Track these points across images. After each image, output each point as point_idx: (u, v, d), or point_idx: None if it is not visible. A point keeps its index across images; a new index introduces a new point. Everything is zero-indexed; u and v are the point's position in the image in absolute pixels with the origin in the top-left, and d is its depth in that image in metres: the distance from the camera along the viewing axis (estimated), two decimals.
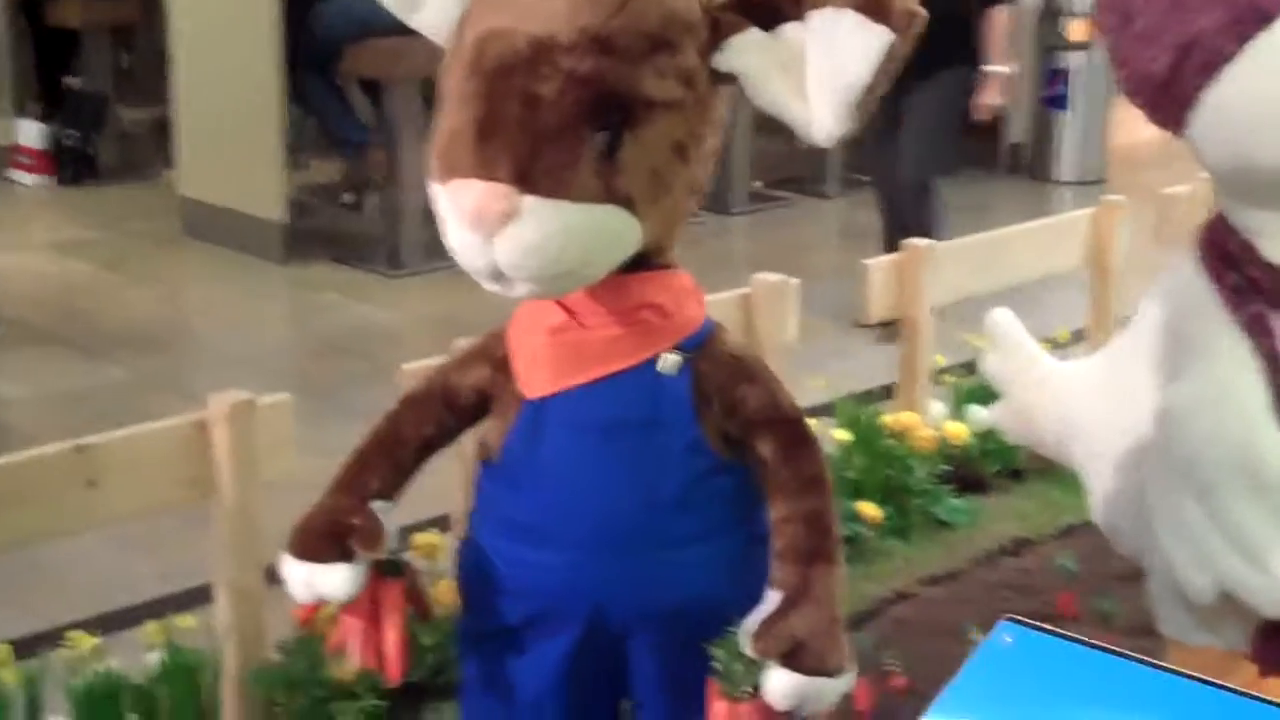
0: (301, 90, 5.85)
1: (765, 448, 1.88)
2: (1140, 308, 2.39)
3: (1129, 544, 2.39)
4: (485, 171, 1.67)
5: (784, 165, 7.22)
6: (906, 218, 4.95)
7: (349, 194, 6.36)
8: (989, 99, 5.04)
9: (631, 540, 1.87)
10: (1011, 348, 2.59)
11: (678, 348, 1.87)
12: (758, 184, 7.06)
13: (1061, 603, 3.03)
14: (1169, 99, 2.14)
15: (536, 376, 1.89)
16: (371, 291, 5.62)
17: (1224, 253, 2.21)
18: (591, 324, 1.85)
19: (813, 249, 6.51)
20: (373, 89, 6.04)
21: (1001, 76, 5.03)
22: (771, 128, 7.38)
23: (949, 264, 3.46)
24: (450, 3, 1.86)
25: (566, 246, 1.70)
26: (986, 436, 3.56)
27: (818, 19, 1.71)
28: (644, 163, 1.73)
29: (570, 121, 1.68)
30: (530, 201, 1.67)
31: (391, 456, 1.98)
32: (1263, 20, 2.06)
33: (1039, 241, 3.75)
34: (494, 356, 1.95)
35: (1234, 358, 2.16)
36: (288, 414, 2.56)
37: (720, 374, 1.88)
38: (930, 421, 3.50)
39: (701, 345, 1.89)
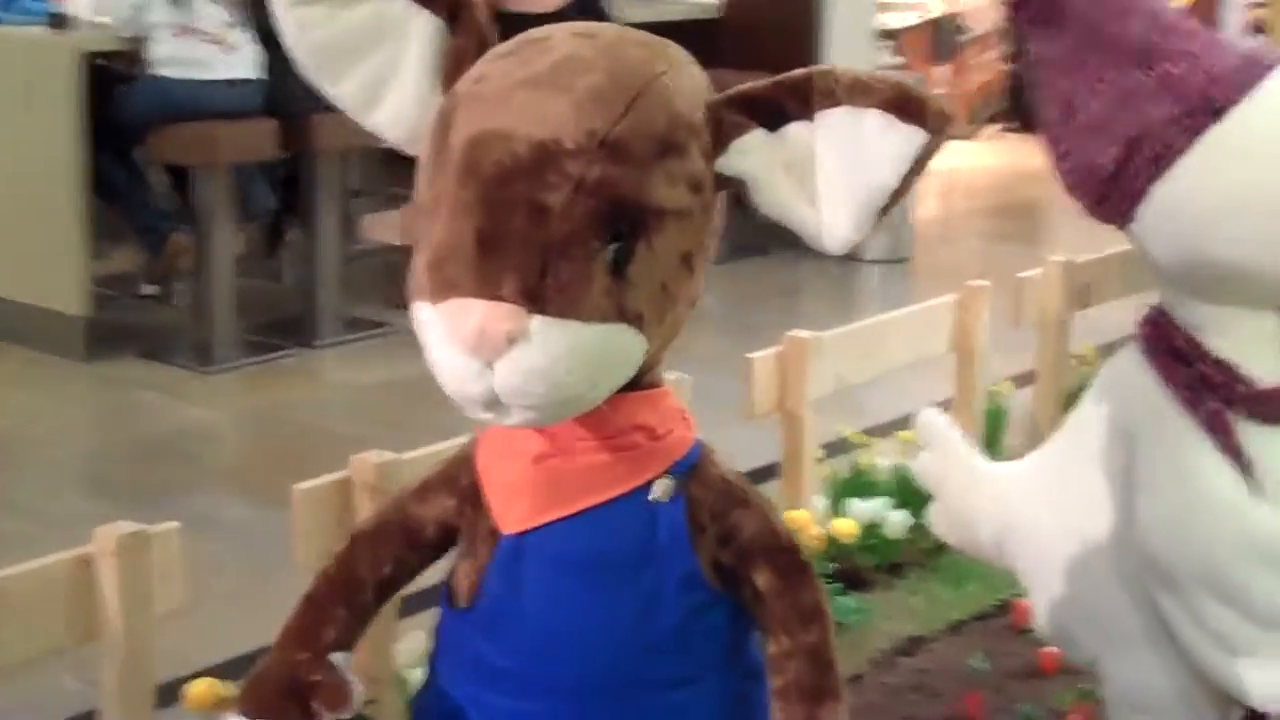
0: (102, 176, 5.55)
1: (762, 578, 1.74)
2: (1082, 406, 2.33)
3: (1083, 651, 2.32)
4: (488, 289, 1.51)
5: None
6: None
7: (152, 285, 6.06)
8: None
9: (621, 684, 1.71)
10: (943, 448, 2.51)
11: (669, 472, 1.72)
12: None
13: (970, 704, 2.94)
14: (1117, 192, 2.09)
15: (515, 509, 1.72)
16: (184, 389, 5.33)
17: (1171, 348, 2.16)
18: (576, 450, 1.69)
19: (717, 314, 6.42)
20: (178, 174, 5.77)
21: None
22: None
23: (831, 354, 3.38)
24: (410, 102, 1.72)
25: (574, 370, 1.54)
26: (868, 531, 3.48)
27: (830, 118, 1.60)
28: (654, 277, 1.58)
29: (581, 234, 1.52)
30: (538, 322, 1.51)
31: (348, 602, 1.79)
32: (1215, 113, 2.02)
33: (910, 328, 3.70)
34: (459, 486, 1.78)
35: (1202, 458, 2.10)
36: (175, 544, 2.34)
37: (714, 499, 1.74)
38: (814, 517, 3.40)
39: (693, 469, 1.74)
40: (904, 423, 4.15)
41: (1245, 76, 2.04)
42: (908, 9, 10.84)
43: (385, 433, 4.94)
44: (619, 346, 1.58)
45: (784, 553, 1.76)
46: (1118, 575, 2.21)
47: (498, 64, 1.61)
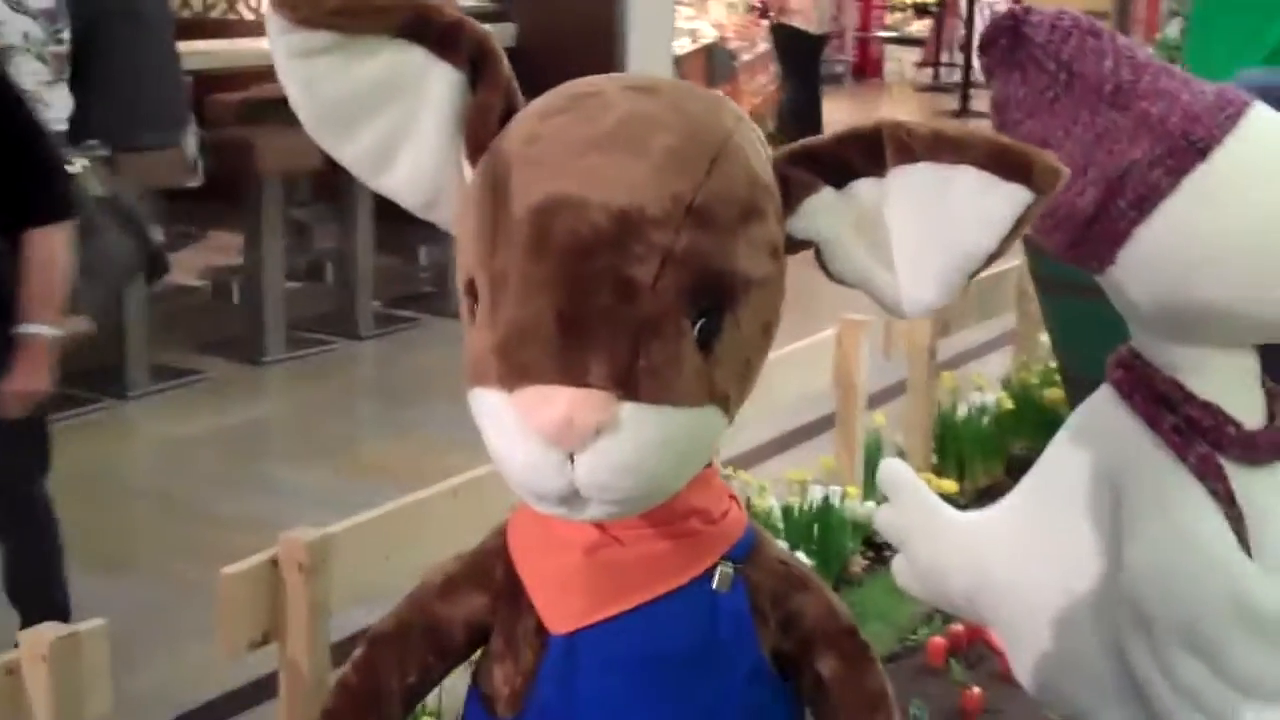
0: None
1: (826, 665, 1.63)
2: (1054, 452, 2.27)
3: (1069, 705, 2.25)
4: (574, 376, 1.35)
5: (404, 283, 6.93)
6: None
7: None
8: None
9: None
10: (908, 499, 2.42)
11: (727, 557, 1.59)
12: (376, 304, 6.70)
13: None
14: (1097, 235, 2.04)
15: (566, 606, 1.56)
16: None
17: (1155, 393, 2.10)
18: (631, 540, 1.55)
19: (451, 372, 6.24)
20: None
21: None
22: (390, 246, 7.12)
23: None
24: (429, 162, 1.55)
25: (666, 461, 1.39)
26: None
27: (908, 175, 1.48)
28: (741, 352, 1.45)
29: (671, 310, 1.37)
30: (630, 410, 1.36)
31: (377, 717, 1.61)
32: (1199, 153, 1.98)
33: (795, 364, 3.63)
34: (492, 581, 1.62)
35: (1193, 504, 2.05)
36: (103, 644, 2.12)
37: (774, 584, 1.62)
38: None
39: (750, 552, 1.61)
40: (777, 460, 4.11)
41: (1223, 114, 2.00)
42: (682, 35, 10.86)
43: (214, 490, 4.72)
44: (708, 431, 1.44)
45: (849, 636, 1.65)
46: (1105, 628, 2.14)
47: (552, 122, 1.45)
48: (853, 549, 3.73)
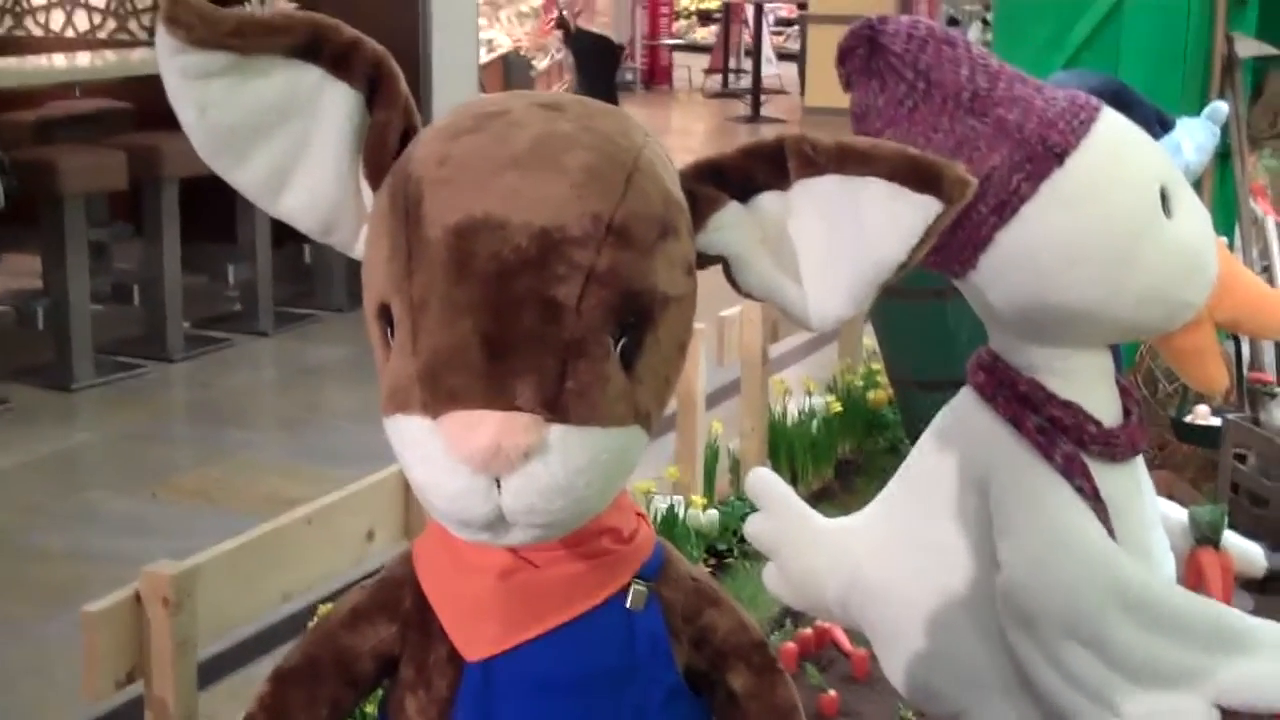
0: None
1: (738, 679, 1.63)
2: (919, 456, 2.30)
3: (948, 706, 2.28)
4: (501, 399, 1.33)
5: (213, 303, 6.78)
6: None
7: None
8: None
9: None
10: (778, 507, 2.43)
11: (640, 576, 1.58)
12: (186, 325, 6.54)
13: None
14: (958, 241, 2.07)
15: (481, 633, 1.54)
16: None
17: (1017, 394, 2.15)
18: (544, 562, 1.53)
19: (266, 392, 6.14)
20: None
21: None
22: (196, 265, 6.98)
23: None
24: (327, 185, 1.53)
25: (594, 482, 1.38)
26: None
27: (813, 187, 1.49)
28: (660, 370, 1.45)
29: (595, 330, 1.37)
30: (558, 432, 1.35)
31: None
32: (1056, 158, 2.03)
33: None
34: (400, 610, 1.59)
35: (1062, 501, 2.10)
36: None
37: (686, 600, 1.62)
38: None
39: (661, 570, 1.61)
40: None
41: (1077, 119, 2.05)
42: (479, 45, 10.83)
43: (32, 521, 4.57)
44: (633, 451, 1.43)
45: (759, 650, 1.66)
46: (980, 625, 2.18)
47: (462, 142, 1.43)
48: (697, 558, 3.74)
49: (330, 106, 1.50)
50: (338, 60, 1.49)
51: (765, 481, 2.44)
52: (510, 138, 1.41)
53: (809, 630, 3.35)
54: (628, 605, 1.56)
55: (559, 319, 1.35)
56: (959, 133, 2.05)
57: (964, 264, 2.10)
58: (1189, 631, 2.03)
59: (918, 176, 1.45)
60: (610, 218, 1.38)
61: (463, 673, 1.54)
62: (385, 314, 1.42)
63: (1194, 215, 2.10)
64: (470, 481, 1.34)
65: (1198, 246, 2.09)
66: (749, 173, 1.51)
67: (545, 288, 1.35)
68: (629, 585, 1.57)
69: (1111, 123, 2.08)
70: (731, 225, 1.51)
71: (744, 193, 1.51)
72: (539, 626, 1.53)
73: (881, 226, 1.47)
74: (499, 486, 1.34)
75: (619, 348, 1.39)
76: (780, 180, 1.50)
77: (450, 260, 1.36)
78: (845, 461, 4.54)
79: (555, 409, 1.34)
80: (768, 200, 1.51)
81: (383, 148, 1.49)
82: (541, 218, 1.36)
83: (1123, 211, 2.04)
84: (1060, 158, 2.03)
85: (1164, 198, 2.05)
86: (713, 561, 3.79)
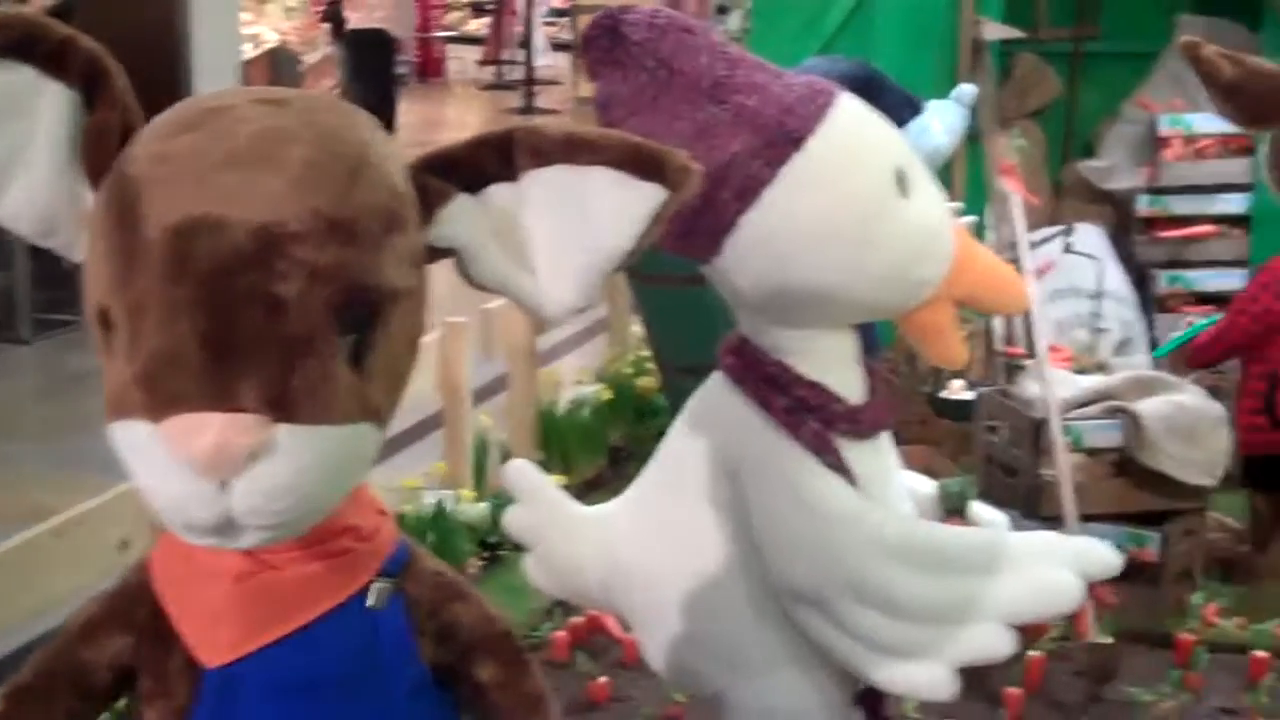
0: None
1: (485, 671, 1.63)
2: (671, 441, 2.32)
3: (706, 684, 2.31)
4: (224, 400, 1.31)
5: None
6: None
7: None
8: None
9: None
10: (536, 499, 2.43)
11: (382, 574, 1.57)
12: None
13: None
14: (704, 226, 2.10)
15: (219, 638, 1.52)
16: None
17: (764, 376, 2.18)
18: (282, 564, 1.51)
19: (27, 402, 5.95)
20: None
21: None
22: None
23: None
24: (43, 187, 1.47)
25: (323, 481, 1.37)
26: None
27: (542, 178, 1.50)
28: (390, 366, 1.44)
29: (320, 327, 1.35)
30: (285, 432, 1.33)
31: None
32: (794, 143, 2.06)
33: None
34: (134, 620, 1.56)
35: (813, 474, 2.14)
36: None
37: (430, 596, 1.61)
38: None
39: (405, 567, 1.60)
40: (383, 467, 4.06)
41: (814, 105, 2.09)
42: (245, 40, 10.63)
43: None
44: (364, 448, 1.42)
45: (505, 641, 1.66)
46: (736, 605, 2.21)
47: (181, 140, 1.40)
48: (468, 552, 3.74)
49: (46, 107, 1.46)
50: (51, 59, 1.45)
51: (522, 473, 2.44)
52: (230, 134, 1.39)
53: (580, 619, 3.37)
54: (370, 603, 1.55)
55: (282, 317, 1.33)
56: (700, 120, 2.07)
57: (710, 249, 2.12)
58: (957, 561, 2.08)
59: (642, 165, 1.46)
60: (333, 213, 1.36)
61: (202, 680, 1.52)
62: (104, 319, 1.38)
63: (929, 196, 2.15)
64: (195, 485, 1.32)
65: (933, 226, 2.14)
66: (478, 165, 1.51)
67: (267, 285, 1.33)
68: (371, 583, 1.55)
69: (848, 108, 2.12)
70: (462, 218, 1.51)
71: (474, 185, 1.51)
72: (279, 629, 1.51)
73: (609, 215, 1.48)
74: (226, 489, 1.32)
75: (347, 344, 1.38)
76: (510, 172, 1.50)
77: (168, 261, 1.33)
78: (617, 449, 4.57)
79: (281, 408, 1.32)
80: (498, 192, 1.51)
81: (101, 148, 1.45)
82: (261, 214, 1.34)
83: (860, 193, 2.07)
84: (798, 143, 2.06)
85: (900, 180, 2.10)
86: (485, 555, 3.79)
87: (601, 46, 2.11)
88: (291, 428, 1.33)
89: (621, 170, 1.47)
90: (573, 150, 1.48)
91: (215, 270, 1.32)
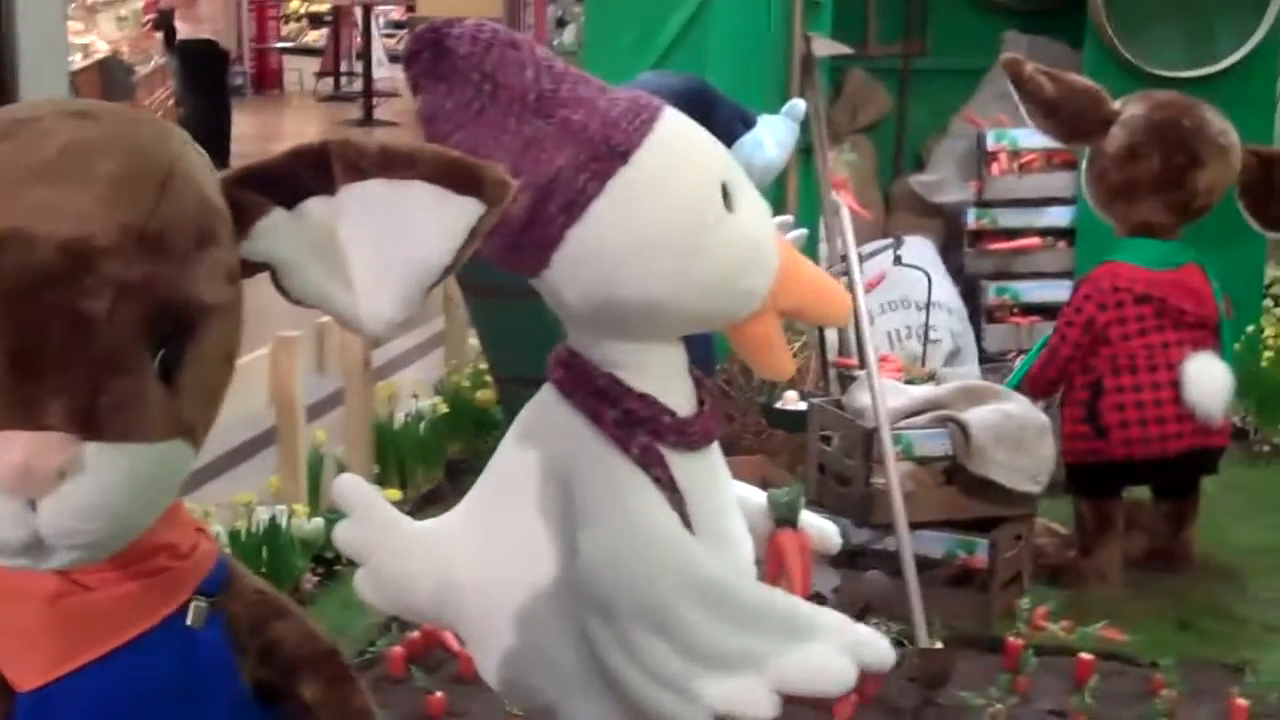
0: None
1: (309, 688, 1.62)
2: (503, 454, 2.32)
3: (539, 699, 2.31)
4: (31, 418, 1.29)
5: None
6: None
7: None
8: None
9: None
10: (366, 514, 2.41)
11: (200, 592, 1.55)
12: None
13: None
14: (531, 240, 2.10)
15: (31, 661, 1.49)
16: None
17: (594, 389, 2.19)
18: (96, 584, 1.49)
19: None
20: None
21: None
22: None
23: None
24: None
25: (133, 500, 1.35)
26: None
27: (359, 192, 1.49)
28: (204, 382, 1.42)
29: (130, 343, 1.33)
30: (93, 450, 1.31)
31: None
32: (620, 157, 2.08)
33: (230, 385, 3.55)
34: None
35: (638, 491, 2.15)
36: None
37: (251, 614, 1.60)
38: None
39: (224, 585, 1.58)
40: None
41: (639, 119, 2.10)
42: (75, 50, 10.42)
43: None
44: (176, 466, 1.41)
45: (329, 657, 1.65)
46: (566, 620, 2.21)
47: None
48: (303, 567, 3.70)
49: None
50: None
51: (351, 487, 2.41)
52: (38, 147, 1.37)
53: (416, 634, 3.35)
54: (188, 622, 1.53)
55: (89, 333, 1.31)
56: (526, 134, 2.07)
57: (538, 263, 2.12)
58: (754, 619, 2.11)
59: (458, 179, 1.47)
60: (141, 227, 1.34)
61: (14, 702, 1.48)
62: None
63: (754, 209, 2.17)
64: (2, 505, 1.29)
65: (758, 238, 2.16)
66: (294, 178, 1.50)
67: (74, 301, 1.31)
68: (189, 602, 1.53)
69: (672, 122, 2.14)
70: (277, 232, 1.50)
71: (290, 198, 1.50)
72: (93, 651, 1.49)
73: (426, 229, 1.48)
74: (34, 509, 1.30)
75: (158, 360, 1.36)
76: (327, 185, 1.50)
77: None
78: (455, 462, 4.55)
79: (89, 426, 1.31)
80: (315, 206, 1.50)
81: None
82: (68, 229, 1.32)
83: (686, 205, 2.09)
84: (624, 156, 2.07)
85: (725, 193, 2.12)
86: (320, 571, 3.75)
87: (425, 60, 2.10)
88: (100, 446, 1.31)
89: (438, 184, 1.47)
90: (388, 164, 1.48)
91: (21, 286, 1.30)
